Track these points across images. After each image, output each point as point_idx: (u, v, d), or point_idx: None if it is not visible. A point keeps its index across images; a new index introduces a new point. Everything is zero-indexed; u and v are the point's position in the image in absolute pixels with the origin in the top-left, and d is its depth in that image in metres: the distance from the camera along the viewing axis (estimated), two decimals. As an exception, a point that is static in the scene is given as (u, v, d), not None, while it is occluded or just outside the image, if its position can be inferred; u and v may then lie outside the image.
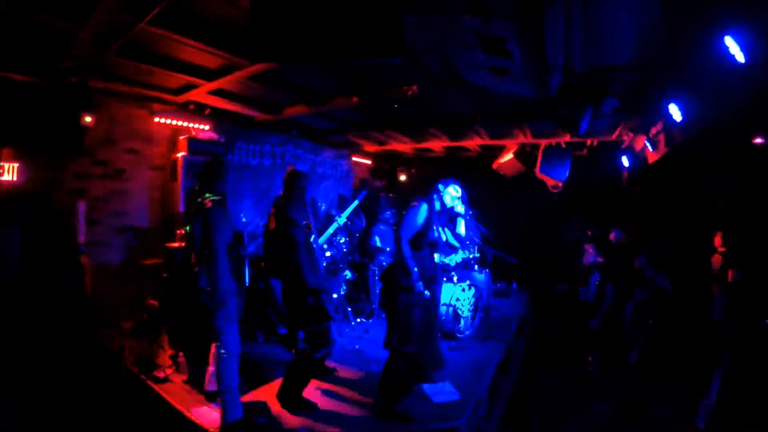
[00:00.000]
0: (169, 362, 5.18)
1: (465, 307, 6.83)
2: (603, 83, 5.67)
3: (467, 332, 6.91)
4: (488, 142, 9.43)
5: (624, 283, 6.67)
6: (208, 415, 4.19)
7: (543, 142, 8.82)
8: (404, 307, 4.35)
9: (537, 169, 8.81)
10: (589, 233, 8.40)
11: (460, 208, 4.63)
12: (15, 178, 5.36)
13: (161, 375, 4.98)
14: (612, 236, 7.80)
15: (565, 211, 10.95)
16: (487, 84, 5.54)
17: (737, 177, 7.23)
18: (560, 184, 8.50)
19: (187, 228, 4.35)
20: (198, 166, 6.61)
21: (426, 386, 4.93)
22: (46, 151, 5.62)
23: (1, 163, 5.26)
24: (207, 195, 4.20)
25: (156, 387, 4.78)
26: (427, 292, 4.37)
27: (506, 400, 5.73)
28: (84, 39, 4.49)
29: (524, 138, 8.89)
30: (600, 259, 7.47)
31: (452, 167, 10.93)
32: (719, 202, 7.49)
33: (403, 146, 10.79)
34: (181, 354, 5.23)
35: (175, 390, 4.72)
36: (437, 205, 4.62)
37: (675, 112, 5.48)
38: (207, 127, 7.33)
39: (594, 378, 6.22)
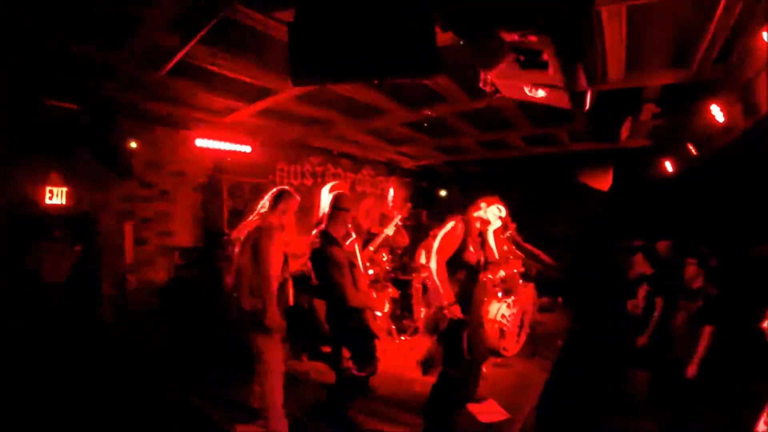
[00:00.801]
0: (212, 376, 5.27)
1: (511, 324, 6.73)
2: (641, 89, 5.58)
3: (513, 349, 6.81)
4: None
5: (674, 295, 6.47)
6: (253, 432, 4.22)
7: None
8: (443, 329, 4.32)
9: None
10: (635, 243, 8.18)
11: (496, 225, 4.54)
12: (64, 202, 5.55)
13: (203, 388, 5.09)
14: (660, 246, 7.57)
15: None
16: (525, 98, 5.51)
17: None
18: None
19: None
20: (240, 187, 6.75)
21: (472, 405, 4.87)
22: (93, 175, 5.82)
23: (50, 187, 5.46)
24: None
25: (198, 402, 4.86)
26: (463, 316, 4.31)
27: (553, 419, 5.59)
28: (127, 66, 4.64)
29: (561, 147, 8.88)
30: (648, 271, 7.24)
31: (489, 181, 10.87)
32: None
33: (441, 160, 10.84)
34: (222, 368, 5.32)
35: (217, 405, 4.78)
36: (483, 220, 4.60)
37: (717, 113, 5.35)
38: (249, 149, 7.47)
39: (646, 395, 6.01)
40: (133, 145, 5.89)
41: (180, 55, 4.39)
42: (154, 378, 5.40)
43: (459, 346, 4.25)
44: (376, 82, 5.10)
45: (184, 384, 5.28)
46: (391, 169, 11.49)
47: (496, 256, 4.68)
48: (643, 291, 7.00)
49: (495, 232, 4.68)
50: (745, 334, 4.74)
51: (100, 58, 4.49)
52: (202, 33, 3.96)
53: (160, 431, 4.50)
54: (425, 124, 7.34)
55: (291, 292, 6.61)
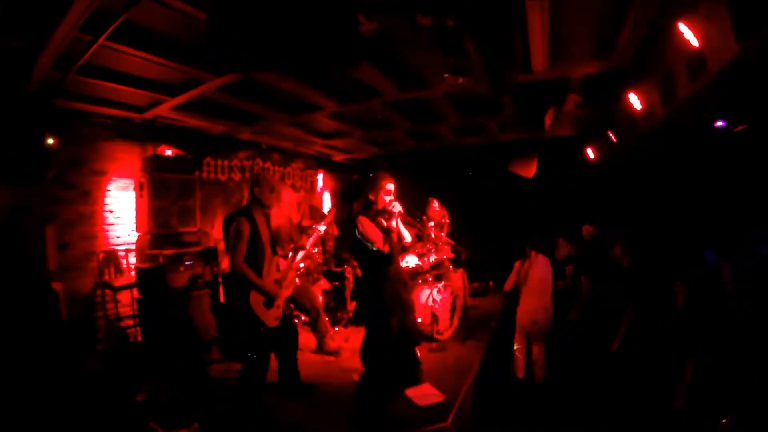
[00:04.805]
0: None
1: (443, 308, 6.85)
2: (565, 79, 5.76)
3: (447, 333, 6.93)
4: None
5: (599, 274, 6.75)
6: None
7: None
8: (376, 316, 4.35)
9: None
10: (557, 228, 8.50)
11: (395, 207, 4.42)
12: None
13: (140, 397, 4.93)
14: (584, 230, 7.89)
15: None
16: (448, 84, 5.60)
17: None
18: None
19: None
20: (165, 183, 6.54)
21: (408, 390, 4.92)
22: (10, 178, 5.48)
23: None
24: None
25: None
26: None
27: (489, 398, 5.73)
28: (45, 60, 4.41)
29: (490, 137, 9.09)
30: (571, 252, 7.55)
31: (420, 173, 11.00)
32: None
33: (373, 153, 10.87)
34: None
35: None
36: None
37: (635, 101, 5.59)
38: (173, 145, 7.25)
39: (574, 370, 6.22)
40: (50, 142, 5.58)
41: (95, 48, 4.23)
42: (94, 386, 5.18)
43: (386, 332, 4.29)
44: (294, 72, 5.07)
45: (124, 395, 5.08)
46: (321, 162, 11.42)
47: (407, 238, 4.69)
48: (568, 271, 7.28)
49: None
50: (665, 309, 5.02)
51: (14, 53, 4.25)
52: (115, 24, 3.82)
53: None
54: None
55: (222, 289, 6.55)
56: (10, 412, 4.30)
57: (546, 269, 6.12)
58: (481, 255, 7.88)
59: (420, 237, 7.33)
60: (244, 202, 4.96)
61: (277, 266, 4.81)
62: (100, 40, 4.13)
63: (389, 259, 4.39)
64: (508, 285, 6.38)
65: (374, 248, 4.31)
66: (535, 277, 6.02)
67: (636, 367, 5.35)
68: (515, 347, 6.23)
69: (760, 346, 3.84)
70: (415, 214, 7.38)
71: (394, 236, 4.43)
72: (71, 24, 3.75)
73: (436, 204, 7.74)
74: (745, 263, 4.55)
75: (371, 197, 4.50)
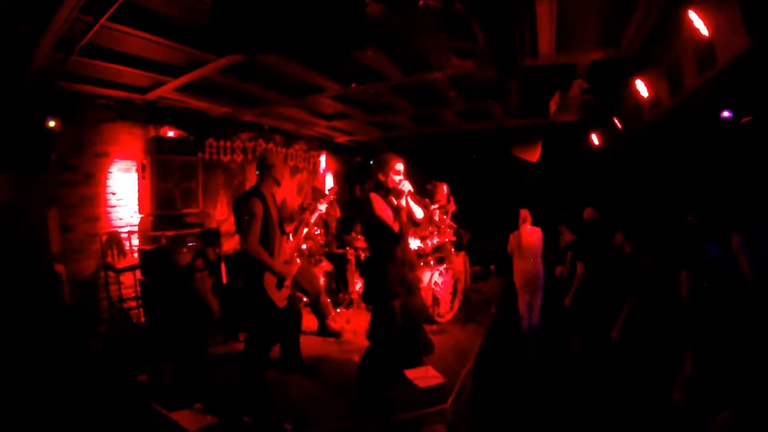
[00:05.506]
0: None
1: (444, 291, 6.89)
2: (571, 64, 5.70)
3: (447, 316, 6.97)
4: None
5: (598, 261, 6.75)
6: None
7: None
8: (381, 297, 4.36)
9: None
10: (564, 214, 8.47)
11: (405, 186, 4.41)
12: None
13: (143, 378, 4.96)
14: (585, 213, 7.87)
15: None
16: (453, 67, 5.56)
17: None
18: None
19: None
20: (167, 165, 6.51)
21: (409, 372, 4.95)
22: (11, 164, 5.43)
23: None
24: None
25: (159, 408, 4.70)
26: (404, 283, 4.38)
27: (489, 382, 5.78)
28: (46, 43, 4.35)
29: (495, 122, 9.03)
30: (575, 238, 7.55)
31: (424, 155, 10.96)
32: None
33: (376, 136, 10.82)
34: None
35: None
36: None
37: (642, 89, 5.55)
38: (175, 126, 7.21)
39: (574, 358, 6.25)
40: (52, 124, 5.54)
41: (97, 28, 4.18)
42: (93, 371, 5.19)
43: (391, 314, 4.31)
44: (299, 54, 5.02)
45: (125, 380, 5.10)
46: (324, 144, 11.37)
47: (419, 214, 4.66)
48: (569, 257, 7.29)
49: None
50: (667, 299, 5.01)
51: (16, 36, 4.19)
52: (118, 3, 3.77)
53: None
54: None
55: (224, 270, 6.56)
56: (14, 396, 4.33)
57: (534, 237, 7.25)
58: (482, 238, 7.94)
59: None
60: (247, 184, 4.94)
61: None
62: (102, 21, 4.06)
63: (398, 239, 4.40)
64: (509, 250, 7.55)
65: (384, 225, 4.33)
66: (525, 245, 7.21)
67: (634, 358, 5.37)
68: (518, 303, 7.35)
69: (761, 343, 3.85)
70: (423, 196, 7.41)
71: (404, 215, 4.43)
72: (72, 5, 3.70)
73: (445, 188, 7.72)
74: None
75: (381, 177, 4.50)
